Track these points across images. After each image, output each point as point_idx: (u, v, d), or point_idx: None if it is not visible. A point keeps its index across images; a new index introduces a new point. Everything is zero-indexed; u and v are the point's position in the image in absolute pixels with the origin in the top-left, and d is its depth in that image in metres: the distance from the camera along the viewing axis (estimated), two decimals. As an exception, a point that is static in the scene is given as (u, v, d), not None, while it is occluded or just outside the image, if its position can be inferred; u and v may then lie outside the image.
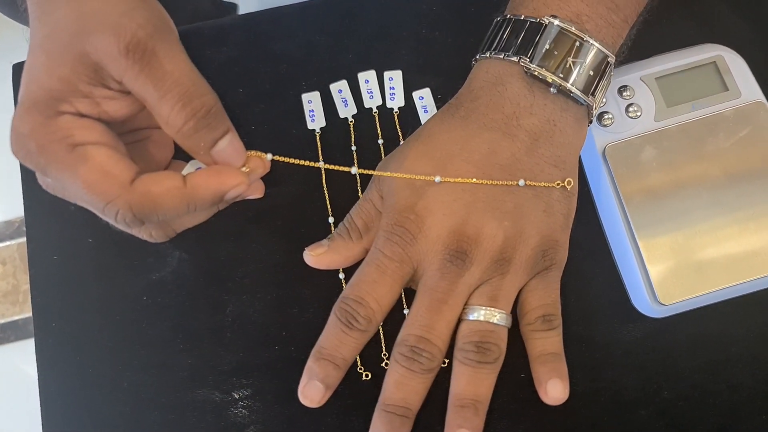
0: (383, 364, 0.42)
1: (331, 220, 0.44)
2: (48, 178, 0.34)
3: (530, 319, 0.39)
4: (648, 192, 0.41)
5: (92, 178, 0.32)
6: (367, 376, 0.42)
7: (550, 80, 0.37)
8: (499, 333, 0.38)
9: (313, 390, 0.38)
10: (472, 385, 0.37)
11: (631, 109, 0.43)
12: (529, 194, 0.38)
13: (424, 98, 0.46)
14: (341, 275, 0.43)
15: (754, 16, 0.46)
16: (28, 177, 0.47)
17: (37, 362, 0.44)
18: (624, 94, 0.43)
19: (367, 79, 0.46)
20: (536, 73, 0.37)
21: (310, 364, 0.38)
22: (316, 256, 0.40)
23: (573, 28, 0.37)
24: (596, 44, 0.37)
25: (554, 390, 0.38)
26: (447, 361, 0.40)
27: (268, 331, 0.43)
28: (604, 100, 0.41)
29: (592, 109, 0.39)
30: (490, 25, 0.41)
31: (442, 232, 0.37)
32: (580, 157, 0.44)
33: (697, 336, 0.41)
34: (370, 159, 0.46)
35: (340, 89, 0.46)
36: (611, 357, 0.42)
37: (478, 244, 0.37)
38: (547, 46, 0.37)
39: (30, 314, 1.04)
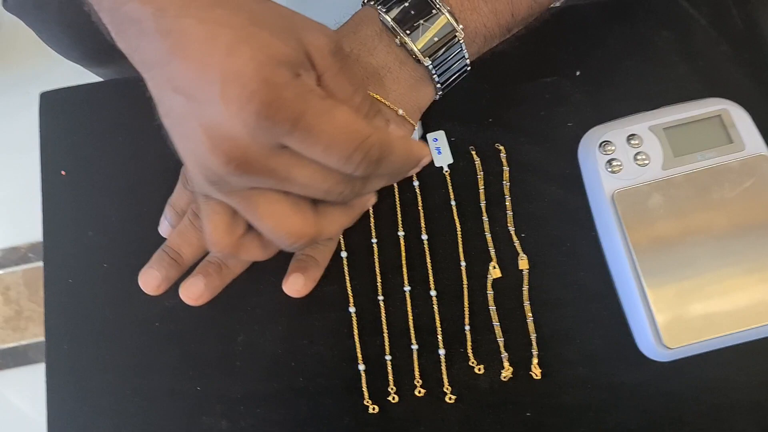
0: (390, 398, 0.43)
1: (344, 254, 0.45)
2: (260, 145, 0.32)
3: None
4: (655, 238, 0.42)
5: (347, 119, 0.32)
6: (374, 409, 0.43)
7: (394, 31, 0.40)
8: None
9: (164, 227, 0.44)
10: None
11: (639, 157, 0.44)
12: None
13: (438, 140, 0.47)
14: (351, 309, 0.44)
15: (758, 72, 0.48)
16: (49, 198, 0.48)
17: (46, 385, 0.44)
18: (632, 142, 0.44)
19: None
20: (385, 23, 0.40)
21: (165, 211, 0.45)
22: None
23: None
24: (447, 15, 0.39)
25: (294, 281, 0.42)
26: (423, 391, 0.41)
27: (278, 360, 0.44)
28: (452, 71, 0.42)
29: (432, 75, 0.41)
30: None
31: None
32: (588, 200, 0.45)
33: (701, 381, 0.42)
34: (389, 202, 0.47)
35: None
36: (616, 399, 0.42)
37: None
38: (406, 4, 0.39)
39: (30, 341, 1.04)
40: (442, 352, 0.43)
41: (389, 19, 0.40)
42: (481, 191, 0.46)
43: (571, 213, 0.46)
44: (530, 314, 0.44)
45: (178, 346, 0.45)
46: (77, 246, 0.47)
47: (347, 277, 0.45)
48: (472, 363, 0.43)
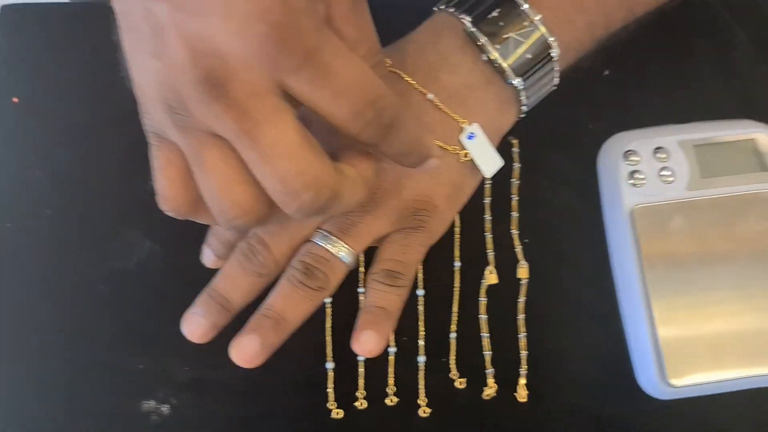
0: (357, 403, 0.38)
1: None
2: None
3: (375, 269, 0.37)
4: (671, 262, 0.38)
5: (366, 68, 0.27)
6: (338, 414, 0.38)
7: (485, 48, 0.35)
8: (335, 266, 0.35)
9: (206, 258, 0.38)
10: (284, 302, 0.35)
11: (664, 172, 0.40)
12: None
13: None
14: (327, 299, 0.39)
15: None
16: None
17: (-37, 340, 0.38)
18: (659, 155, 0.40)
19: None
20: (473, 36, 0.35)
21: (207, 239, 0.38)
22: None
23: (526, 6, 0.35)
24: (544, 30, 0.35)
25: (367, 341, 0.35)
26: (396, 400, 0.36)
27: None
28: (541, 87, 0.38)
29: (520, 96, 0.36)
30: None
31: None
32: (602, 212, 0.41)
33: (701, 427, 0.38)
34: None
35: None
36: (605, 434, 0.38)
37: None
38: (494, 13, 0.35)
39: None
40: (422, 359, 0.39)
41: (479, 33, 0.34)
42: (487, 186, 0.41)
43: (581, 223, 0.41)
44: (523, 329, 0.39)
45: (122, 315, 0.39)
46: (20, 186, 0.41)
47: (326, 263, 0.40)
48: (454, 375, 0.39)
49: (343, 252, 0.35)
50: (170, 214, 0.30)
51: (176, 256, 0.40)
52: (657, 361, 0.37)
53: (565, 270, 0.41)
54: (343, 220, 0.35)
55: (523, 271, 0.40)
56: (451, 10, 0.36)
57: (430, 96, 0.36)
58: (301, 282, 0.34)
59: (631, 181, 0.40)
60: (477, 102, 0.36)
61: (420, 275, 0.40)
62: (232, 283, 0.35)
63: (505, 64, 0.35)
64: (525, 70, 0.35)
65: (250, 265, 0.35)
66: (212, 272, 0.39)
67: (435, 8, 0.38)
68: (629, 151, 0.40)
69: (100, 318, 0.39)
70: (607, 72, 0.44)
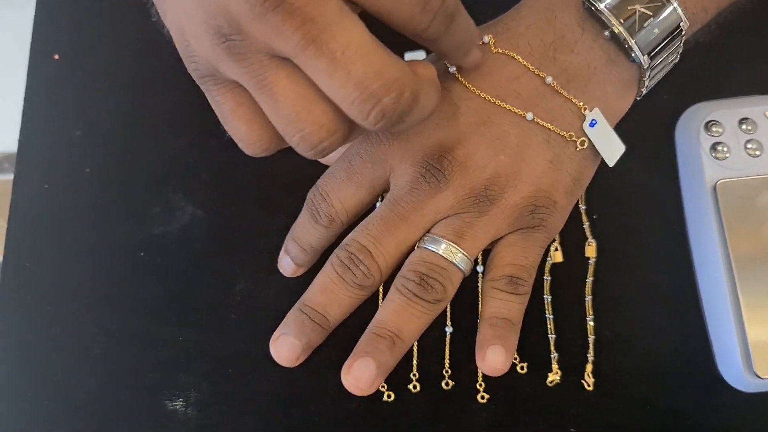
0: (411, 386, 0.35)
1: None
2: None
3: (495, 275, 0.32)
4: (760, 244, 0.35)
5: None
6: (389, 396, 0.35)
7: (609, 22, 0.31)
8: (452, 274, 0.31)
9: (285, 265, 0.36)
10: (399, 318, 0.31)
11: (750, 145, 0.36)
12: (539, 137, 0.32)
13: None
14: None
15: None
16: (34, 86, 0.40)
17: (-4, 305, 0.36)
18: (745, 126, 0.37)
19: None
20: (595, 10, 0.31)
21: (285, 242, 0.35)
22: None
23: None
24: (676, 4, 0.31)
25: (494, 358, 0.31)
26: (452, 383, 0.33)
27: (280, 319, 0.35)
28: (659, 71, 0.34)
29: (643, 77, 0.33)
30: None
31: (427, 142, 0.31)
32: (680, 191, 0.38)
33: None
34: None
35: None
36: (680, 428, 0.35)
37: (463, 169, 0.31)
38: None
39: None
40: (480, 340, 0.36)
41: (603, 6, 0.31)
42: (554, 157, 0.38)
43: (656, 200, 0.38)
44: (591, 312, 0.36)
45: (162, 284, 0.37)
46: (60, 146, 0.39)
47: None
48: (515, 359, 0.36)
49: (459, 258, 0.31)
50: (262, 155, 0.27)
51: (220, 222, 0.38)
52: (742, 350, 0.34)
53: (638, 249, 0.38)
54: (457, 223, 0.31)
55: (591, 250, 0.37)
56: None
57: (549, 80, 0.32)
58: (417, 295, 0.31)
59: (714, 154, 0.37)
60: (598, 84, 0.32)
61: (480, 250, 0.37)
62: (329, 297, 0.31)
63: (631, 40, 0.31)
64: (653, 47, 0.31)
65: (352, 277, 0.31)
66: (265, 246, 0.37)
67: None
68: (711, 122, 0.37)
69: (139, 286, 0.37)
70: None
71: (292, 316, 0.32)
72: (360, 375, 0.30)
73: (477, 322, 0.36)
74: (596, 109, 0.32)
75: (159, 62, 0.40)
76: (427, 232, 0.32)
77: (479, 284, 0.36)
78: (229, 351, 0.36)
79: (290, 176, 0.38)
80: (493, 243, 0.33)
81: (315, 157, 0.26)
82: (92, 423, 0.35)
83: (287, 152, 0.38)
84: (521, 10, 0.34)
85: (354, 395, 0.35)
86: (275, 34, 0.23)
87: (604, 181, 0.38)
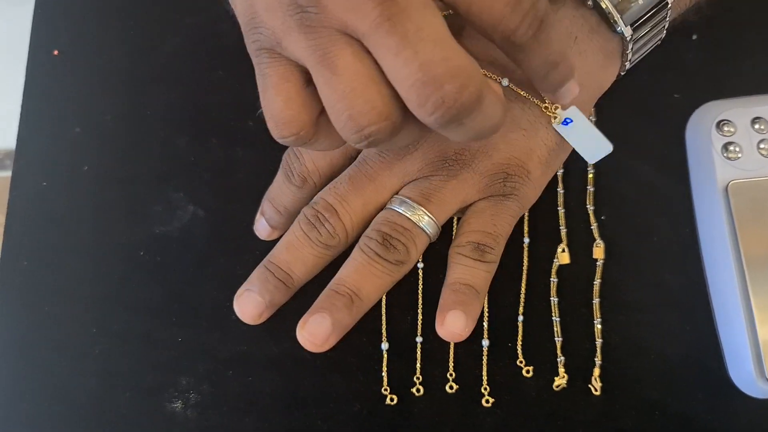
0: (414, 389, 0.35)
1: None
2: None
3: (461, 242, 0.32)
4: (772, 246, 0.34)
5: None
6: (392, 399, 0.35)
7: None
8: (416, 236, 0.31)
9: (260, 227, 0.35)
10: (359, 276, 0.31)
11: (763, 145, 0.36)
12: (515, 105, 0.31)
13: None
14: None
15: None
16: (33, 82, 0.39)
17: (-6, 304, 0.36)
18: (758, 126, 0.36)
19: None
20: None
21: (261, 205, 0.35)
22: None
23: None
24: None
25: (454, 322, 0.31)
26: (456, 386, 0.34)
27: (283, 320, 0.35)
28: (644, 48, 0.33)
29: (626, 50, 0.32)
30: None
31: None
32: (690, 192, 0.37)
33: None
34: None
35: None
36: (689, 435, 0.34)
37: None
38: None
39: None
40: (485, 343, 0.35)
41: None
42: (561, 156, 0.37)
43: (665, 200, 0.37)
44: (598, 315, 0.36)
45: (163, 284, 0.36)
46: (59, 143, 0.39)
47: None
48: (521, 362, 0.35)
49: (425, 221, 0.31)
50: (287, 141, 0.26)
51: (221, 221, 0.37)
52: (754, 354, 0.33)
53: (647, 251, 0.37)
54: (425, 185, 0.31)
55: (599, 251, 0.37)
56: None
57: (504, 82, 0.31)
58: (378, 254, 0.31)
59: (726, 154, 0.36)
60: (579, 53, 0.32)
61: (486, 251, 0.36)
62: (294, 255, 0.32)
63: (614, 10, 0.30)
64: (636, 17, 0.31)
65: (317, 235, 0.31)
66: (266, 246, 0.36)
67: None
68: (723, 121, 0.36)
69: (139, 286, 0.36)
70: (695, 36, 0.40)
71: (256, 273, 0.32)
72: (314, 330, 0.30)
73: (480, 328, 0.35)
74: (573, 108, 0.32)
75: (160, 59, 0.39)
76: (396, 194, 0.32)
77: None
78: (230, 352, 0.35)
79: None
80: (463, 210, 0.33)
81: (358, 144, 0.25)
82: (92, 424, 0.34)
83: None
84: None
85: (356, 399, 0.34)
86: (354, 8, 0.22)
87: (613, 181, 0.38)
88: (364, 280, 0.31)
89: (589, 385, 0.35)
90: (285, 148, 0.37)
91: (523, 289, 0.36)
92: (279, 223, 0.35)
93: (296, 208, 0.33)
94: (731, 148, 0.36)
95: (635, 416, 0.35)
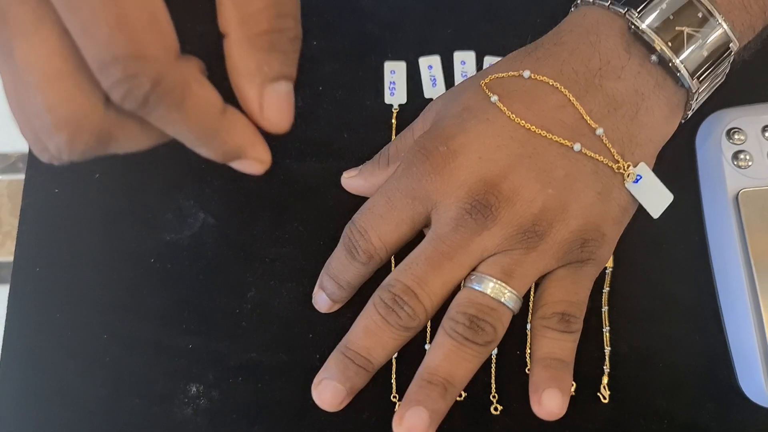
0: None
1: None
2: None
3: (546, 313, 0.32)
4: (783, 255, 0.34)
5: None
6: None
7: (656, 46, 0.30)
8: (501, 314, 0.31)
9: (320, 301, 0.35)
10: (449, 363, 0.30)
11: (774, 153, 0.36)
12: (587, 168, 0.31)
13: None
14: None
15: None
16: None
17: (6, 311, 0.36)
18: (768, 134, 0.36)
19: (464, 60, 0.39)
20: (641, 34, 0.30)
21: (320, 278, 0.35)
22: (347, 179, 0.37)
23: None
24: (724, 24, 0.30)
25: (551, 402, 0.31)
26: (464, 394, 0.34)
27: (292, 328, 0.36)
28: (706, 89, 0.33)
29: (690, 100, 0.32)
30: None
31: (471, 177, 0.31)
32: (700, 200, 0.37)
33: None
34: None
35: (430, 65, 0.39)
36: (699, 444, 0.34)
37: (510, 205, 0.30)
38: (664, 6, 0.30)
39: (6, 258, 0.96)
40: (494, 350, 0.35)
41: (649, 29, 0.30)
42: (571, 165, 0.37)
43: (675, 208, 0.36)
44: (607, 323, 0.36)
45: (173, 291, 0.36)
46: (70, 151, 0.39)
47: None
48: (529, 370, 0.35)
49: (508, 297, 0.30)
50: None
51: (232, 229, 0.37)
52: (765, 364, 0.33)
53: (656, 260, 0.37)
54: (505, 261, 0.31)
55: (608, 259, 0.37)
56: (606, 3, 0.31)
57: (599, 131, 0.31)
58: (467, 338, 0.30)
59: (736, 163, 0.36)
60: (647, 110, 0.31)
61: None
62: (373, 340, 0.31)
63: (681, 65, 0.30)
64: (701, 69, 0.30)
65: (396, 319, 0.30)
66: (277, 254, 0.37)
67: (576, 3, 0.34)
68: (733, 129, 0.36)
69: (149, 293, 0.36)
70: (705, 44, 0.40)
71: (334, 360, 0.31)
72: (413, 424, 0.29)
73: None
74: (642, 164, 0.32)
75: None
76: (473, 270, 0.31)
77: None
78: (240, 359, 0.35)
79: (303, 183, 0.38)
80: (541, 277, 0.32)
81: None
82: (102, 430, 0.35)
83: (300, 159, 0.38)
84: (562, 34, 0.33)
85: (366, 406, 0.35)
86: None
87: (622, 189, 0.38)
88: (456, 366, 0.30)
89: (598, 394, 0.35)
90: (297, 155, 0.37)
91: (532, 297, 0.36)
92: (341, 297, 0.34)
93: (360, 282, 0.33)
94: (741, 156, 0.36)
95: (644, 425, 0.35)
